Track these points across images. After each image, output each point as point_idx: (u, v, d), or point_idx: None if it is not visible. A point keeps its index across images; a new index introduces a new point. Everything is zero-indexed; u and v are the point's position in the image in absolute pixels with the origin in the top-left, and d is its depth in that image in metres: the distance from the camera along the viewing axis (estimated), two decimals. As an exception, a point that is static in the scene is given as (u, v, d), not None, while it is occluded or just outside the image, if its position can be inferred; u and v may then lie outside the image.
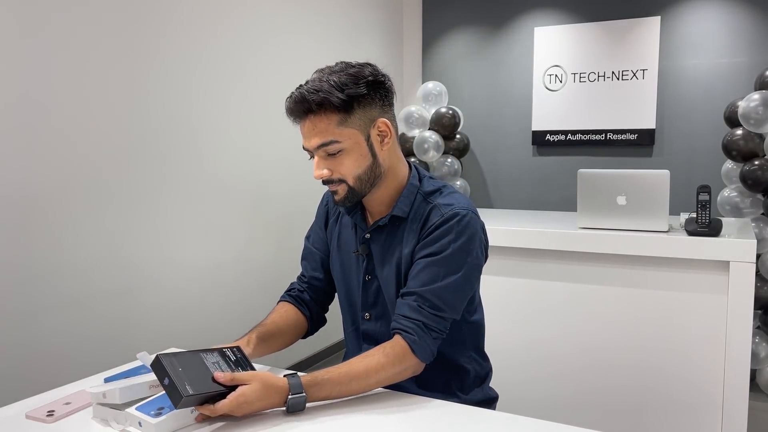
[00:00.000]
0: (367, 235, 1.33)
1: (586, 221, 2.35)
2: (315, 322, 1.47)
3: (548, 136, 3.98)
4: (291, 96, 1.20)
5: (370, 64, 1.23)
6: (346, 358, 1.45)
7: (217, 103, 2.66)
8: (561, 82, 3.92)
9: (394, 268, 1.30)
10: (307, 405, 1.12)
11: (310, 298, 1.46)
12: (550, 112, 3.97)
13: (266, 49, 2.96)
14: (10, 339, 1.89)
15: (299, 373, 1.14)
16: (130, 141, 2.26)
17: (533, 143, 4.04)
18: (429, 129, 3.91)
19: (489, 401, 1.41)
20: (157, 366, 1.03)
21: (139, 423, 1.03)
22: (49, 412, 1.12)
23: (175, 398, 1.00)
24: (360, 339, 1.40)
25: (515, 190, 4.13)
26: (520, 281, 2.42)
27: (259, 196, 2.95)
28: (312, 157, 1.24)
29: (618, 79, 3.76)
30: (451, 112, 3.95)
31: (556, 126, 3.96)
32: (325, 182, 1.25)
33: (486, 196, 4.22)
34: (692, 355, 2.17)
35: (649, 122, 3.70)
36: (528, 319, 2.42)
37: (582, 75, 3.86)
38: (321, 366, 3.43)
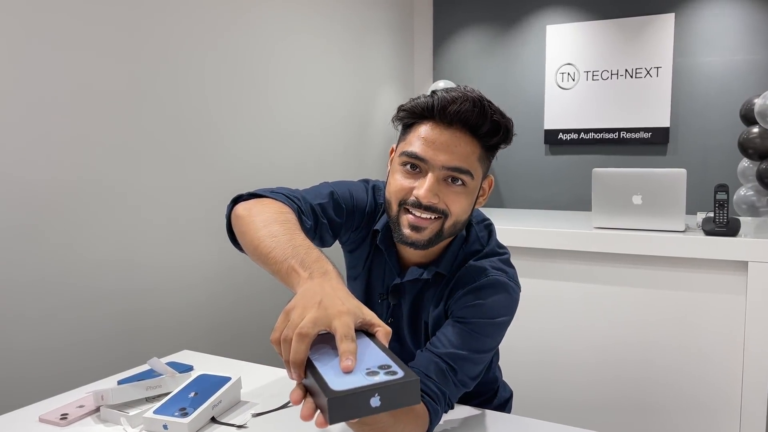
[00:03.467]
0: (397, 281, 1.18)
1: (601, 221, 2.33)
2: None
3: (561, 135, 3.95)
4: (460, 97, 1.04)
5: None
6: None
7: (226, 104, 2.65)
8: (573, 80, 3.89)
9: (422, 324, 1.18)
10: None
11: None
12: (563, 111, 3.94)
13: (275, 49, 2.95)
14: (23, 342, 1.89)
15: None
16: (140, 142, 2.26)
17: (546, 142, 4.01)
18: (440, 128, 3.90)
19: (503, 401, 1.40)
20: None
21: (165, 426, 1.02)
22: (62, 415, 1.12)
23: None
24: None
25: (528, 189, 4.10)
26: (534, 282, 2.40)
27: (271, 196, 2.94)
28: (411, 167, 1.05)
29: (631, 77, 3.73)
30: (462, 111, 3.93)
31: (569, 125, 3.92)
32: (414, 213, 1.04)
33: (498, 195, 4.19)
34: (710, 357, 2.14)
35: (663, 120, 3.66)
36: (543, 319, 2.40)
37: (595, 73, 3.83)
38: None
